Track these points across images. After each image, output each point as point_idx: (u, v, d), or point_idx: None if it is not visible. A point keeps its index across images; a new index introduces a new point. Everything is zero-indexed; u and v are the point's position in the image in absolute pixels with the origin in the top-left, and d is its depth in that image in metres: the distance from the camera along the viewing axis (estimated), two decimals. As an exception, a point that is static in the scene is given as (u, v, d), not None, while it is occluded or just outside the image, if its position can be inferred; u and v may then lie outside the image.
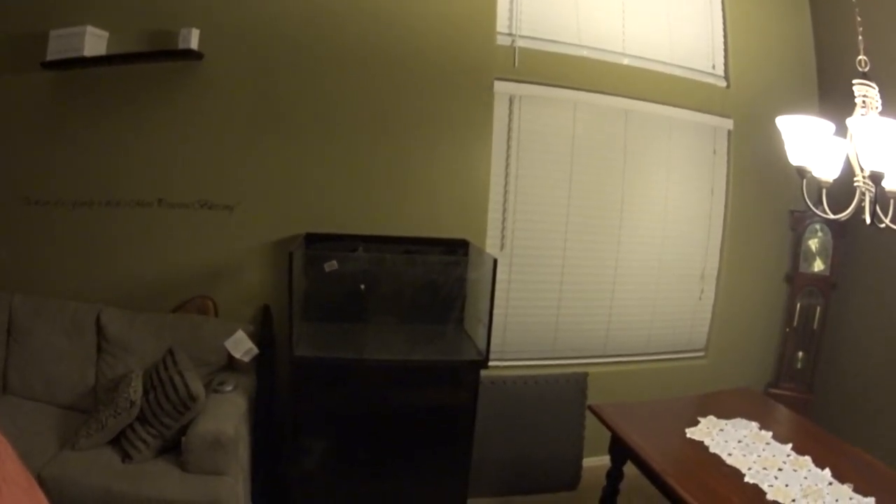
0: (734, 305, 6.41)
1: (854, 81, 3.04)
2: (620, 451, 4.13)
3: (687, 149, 6.19)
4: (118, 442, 4.17)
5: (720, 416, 4.27)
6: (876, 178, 2.77)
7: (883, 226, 3.00)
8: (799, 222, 6.36)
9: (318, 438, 4.61)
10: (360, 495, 4.63)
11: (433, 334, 5.20)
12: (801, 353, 6.44)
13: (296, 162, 5.28)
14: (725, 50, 6.12)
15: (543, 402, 5.48)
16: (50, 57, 4.87)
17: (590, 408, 4.45)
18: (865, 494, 3.27)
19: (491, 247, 5.63)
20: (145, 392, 4.29)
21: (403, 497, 4.68)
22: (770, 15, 6.28)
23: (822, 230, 6.28)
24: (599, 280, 6.07)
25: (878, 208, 2.99)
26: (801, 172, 3.23)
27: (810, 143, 3.17)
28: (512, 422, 5.37)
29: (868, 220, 3.01)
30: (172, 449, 4.15)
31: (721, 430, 4.06)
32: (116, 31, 4.96)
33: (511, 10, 5.55)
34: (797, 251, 6.41)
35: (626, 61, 5.84)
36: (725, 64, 6.13)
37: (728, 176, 6.24)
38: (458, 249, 5.34)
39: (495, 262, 4.50)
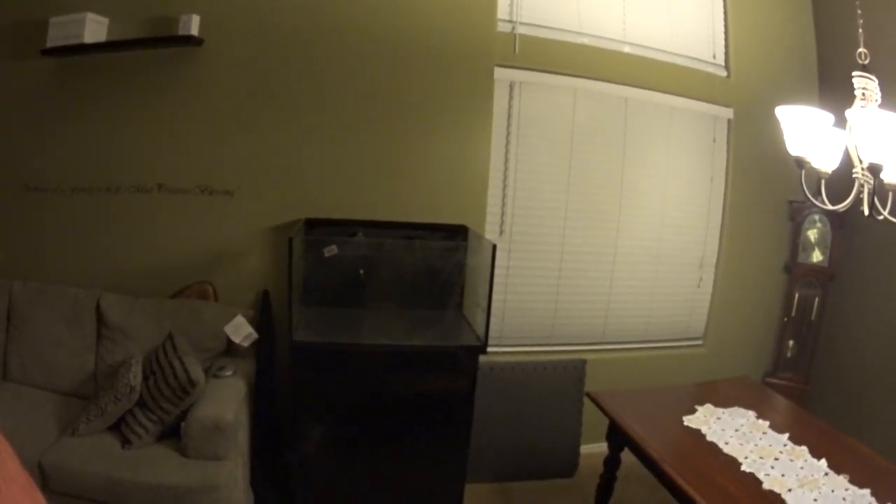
0: (733, 294, 6.41)
1: (854, 74, 3.05)
2: (618, 438, 4.15)
3: (687, 137, 6.19)
4: (118, 428, 4.18)
5: (718, 404, 4.29)
6: (874, 170, 2.78)
7: (881, 218, 3.01)
8: (798, 213, 6.36)
9: (317, 423, 4.61)
10: (358, 480, 4.65)
11: (432, 320, 5.20)
12: (798, 344, 6.45)
13: (296, 147, 5.28)
14: (726, 39, 6.11)
15: (542, 389, 5.48)
16: (50, 44, 4.86)
17: (588, 394, 4.47)
18: (861, 486, 3.29)
19: (490, 233, 5.63)
20: (145, 378, 4.29)
21: (402, 482, 4.69)
22: (771, 5, 6.27)
23: (820, 221, 6.28)
24: (598, 267, 6.07)
25: (876, 200, 3.00)
26: (800, 163, 3.24)
27: (809, 134, 3.17)
28: (510, 408, 5.37)
29: (866, 212, 3.02)
30: (172, 434, 4.15)
31: (718, 418, 4.08)
32: (116, 17, 4.95)
33: (512, -3, 5.54)
34: (796, 241, 6.41)
35: (626, 49, 5.83)
36: (726, 53, 6.12)
37: (728, 165, 6.24)
38: (457, 235, 5.35)
39: (494, 247, 4.49)
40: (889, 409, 5.58)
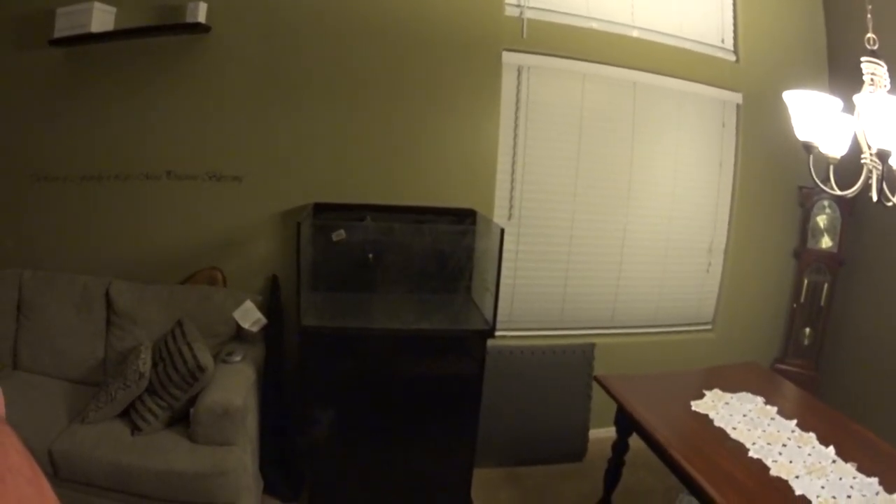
0: (742, 279, 6.40)
1: (862, 59, 3.03)
2: (626, 422, 4.15)
3: (695, 122, 6.17)
4: (127, 414, 4.20)
5: (726, 389, 4.29)
6: (883, 155, 2.77)
7: (890, 204, 3.00)
8: (807, 198, 6.33)
9: (326, 408, 4.62)
10: (367, 464, 4.65)
11: (441, 303, 5.21)
12: (807, 330, 6.43)
13: (304, 132, 5.27)
14: (735, 24, 6.08)
15: (550, 373, 5.50)
16: (57, 34, 4.87)
17: (596, 379, 4.48)
18: (869, 474, 3.29)
19: (499, 217, 5.61)
20: (154, 364, 4.31)
21: (411, 466, 4.70)
22: (781, -11, 6.24)
23: (830, 207, 6.25)
24: (607, 251, 6.06)
25: (885, 186, 2.99)
26: (808, 148, 3.23)
27: (817, 119, 3.16)
28: (519, 392, 5.39)
29: (875, 198, 3.01)
30: (181, 420, 4.18)
31: (726, 403, 4.08)
32: (123, 5, 4.95)
33: (519, -20, 5.52)
34: (805, 227, 6.38)
35: (635, 33, 5.80)
36: (735, 38, 6.09)
37: (736, 150, 6.21)
38: (465, 219, 5.34)
39: (502, 231, 4.46)
40: (899, 395, 5.57)
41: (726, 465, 3.33)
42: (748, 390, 4.29)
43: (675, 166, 6.13)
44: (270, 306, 5.10)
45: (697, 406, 4.03)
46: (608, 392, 4.20)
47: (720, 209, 6.31)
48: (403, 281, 5.26)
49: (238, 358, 4.56)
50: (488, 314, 4.60)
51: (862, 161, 3.05)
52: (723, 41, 6.09)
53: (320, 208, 5.16)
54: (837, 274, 6.31)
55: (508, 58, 5.49)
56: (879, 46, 3.05)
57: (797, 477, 3.22)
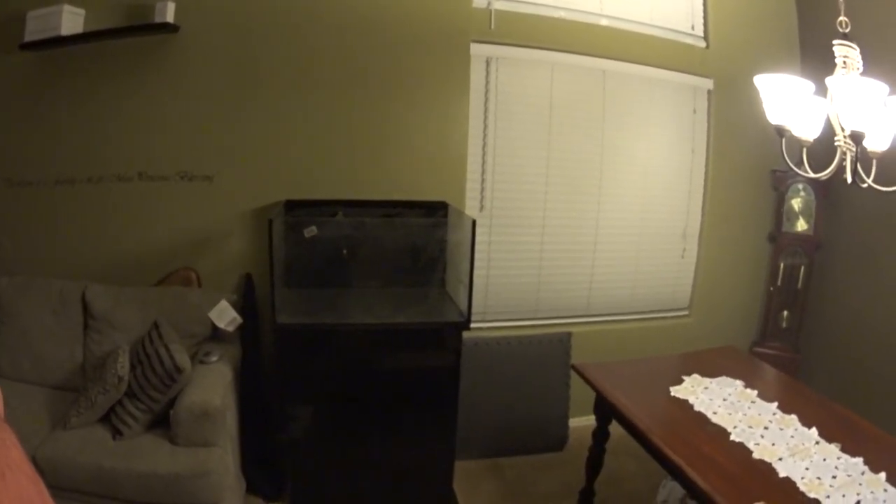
0: (718, 264, 6.44)
1: (834, 42, 3.04)
2: (605, 410, 4.15)
3: (667, 109, 6.20)
4: (108, 419, 4.19)
5: (704, 374, 4.29)
6: (856, 137, 2.78)
7: (865, 186, 3.01)
8: (781, 182, 6.35)
9: (305, 405, 4.63)
10: (348, 460, 4.65)
11: (415, 297, 5.22)
12: (785, 313, 6.46)
13: (273, 129, 5.27)
14: (705, 10, 6.10)
15: (528, 363, 5.52)
16: (28, 38, 4.83)
17: (573, 367, 4.48)
18: (853, 454, 3.29)
19: (470, 208, 5.64)
20: (132, 367, 4.29)
21: (392, 460, 4.70)
22: (751, -26, 6.25)
23: (804, 190, 6.28)
24: (581, 239, 6.09)
25: (859, 168, 3.00)
26: (780, 131, 3.24)
27: (789, 103, 3.17)
28: (497, 383, 5.41)
29: (849, 180, 3.02)
30: (162, 423, 4.16)
31: (706, 388, 4.09)
32: (92, 7, 4.91)
33: (487, -29, 5.51)
34: (780, 211, 6.41)
35: (604, 22, 5.81)
36: (705, 24, 6.11)
37: (708, 135, 6.24)
38: (437, 211, 5.34)
39: (474, 222, 4.47)
40: (879, 377, 5.59)
41: (708, 449, 3.33)
42: (727, 374, 4.30)
43: (646, 153, 6.15)
44: (245, 305, 5.09)
45: (677, 392, 4.04)
46: (586, 380, 4.20)
47: (693, 195, 6.34)
48: (377, 275, 5.28)
49: (215, 358, 4.54)
50: (463, 306, 4.60)
51: (835, 143, 3.06)
52: (693, 27, 6.10)
53: (292, 205, 5.15)
54: (814, 256, 6.33)
55: (477, 49, 5.50)
56: (851, 29, 3.05)
57: (780, 459, 3.23)
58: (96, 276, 5.04)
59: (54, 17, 4.76)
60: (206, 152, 5.21)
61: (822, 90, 3.11)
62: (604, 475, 4.45)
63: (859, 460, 3.23)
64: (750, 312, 6.66)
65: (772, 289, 6.49)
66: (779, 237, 6.43)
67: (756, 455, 3.27)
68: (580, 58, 5.77)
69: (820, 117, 3.20)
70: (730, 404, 3.86)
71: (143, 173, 5.15)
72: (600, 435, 4.33)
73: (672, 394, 4.01)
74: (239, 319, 4.80)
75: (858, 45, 3.01)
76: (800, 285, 6.36)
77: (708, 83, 6.15)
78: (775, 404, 3.84)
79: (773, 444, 3.37)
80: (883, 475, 3.09)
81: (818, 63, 3.25)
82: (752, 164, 6.36)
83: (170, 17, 4.87)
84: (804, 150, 3.26)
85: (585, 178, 6.00)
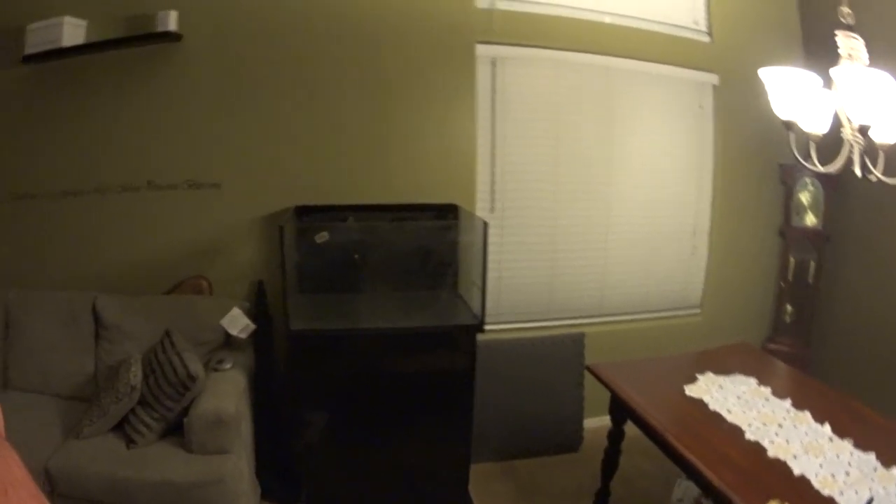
0: (728, 261, 6.41)
1: (837, 32, 3.03)
2: (620, 410, 4.14)
3: (673, 105, 6.19)
4: (121, 428, 4.19)
5: (718, 372, 4.28)
6: (864, 130, 2.77)
7: (873, 178, 3.00)
8: (789, 176, 6.32)
9: (319, 410, 4.63)
10: (363, 465, 4.65)
11: (428, 300, 5.22)
12: (790, 307, 6.44)
13: (280, 135, 5.28)
14: (707, 4, 6.08)
15: (542, 364, 5.51)
16: (29, 51, 4.84)
17: (588, 368, 4.47)
18: (865, 449, 3.28)
19: (481, 210, 5.63)
20: (145, 376, 4.29)
21: (407, 464, 4.70)
22: (751, -32, 6.24)
23: (812, 184, 6.24)
24: (592, 239, 6.07)
25: (867, 160, 2.99)
26: (788, 126, 3.22)
27: (796, 96, 3.15)
28: (511, 385, 5.39)
29: (858, 173, 3.00)
30: (175, 431, 4.16)
31: (720, 386, 4.08)
32: (94, 18, 4.93)
33: (489, -28, 5.51)
34: (788, 205, 6.38)
35: (607, 19, 5.80)
36: (708, 19, 6.09)
37: (715, 131, 6.22)
38: (448, 214, 5.34)
39: (486, 224, 4.49)
40: (890, 369, 5.57)
41: (724, 448, 3.32)
42: (740, 372, 4.29)
43: (654, 150, 6.14)
44: (258, 312, 5.09)
45: (691, 390, 4.03)
46: (601, 380, 4.19)
47: (702, 191, 6.32)
48: (390, 279, 5.27)
49: (228, 365, 4.54)
50: (476, 309, 4.61)
51: (843, 136, 3.05)
52: (696, 22, 6.08)
53: (302, 211, 5.15)
54: (823, 250, 6.31)
55: (482, 50, 5.50)
56: (855, 22, 3.04)
57: (795, 457, 3.22)
58: (106, 286, 5.05)
59: (55, 29, 4.77)
60: (213, 160, 5.21)
61: (827, 83, 3.10)
62: (618, 475, 4.44)
63: (871, 456, 3.22)
64: (761, 308, 6.64)
65: (782, 284, 6.46)
66: (788, 232, 6.40)
67: (771, 453, 3.26)
68: (585, 56, 5.76)
69: (828, 111, 3.18)
70: (744, 402, 3.85)
71: (151, 182, 5.15)
72: (615, 435, 4.32)
73: (686, 392, 4.00)
74: (252, 326, 4.81)
75: (862, 37, 3.00)
76: (810, 280, 6.33)
77: (713, 78, 6.13)
78: (788, 401, 3.83)
79: (788, 442, 3.36)
80: (895, 470, 3.09)
81: (822, 55, 3.23)
82: (759, 159, 6.34)
83: (172, 26, 4.89)
84: (812, 143, 3.25)
85: (594, 177, 5.98)
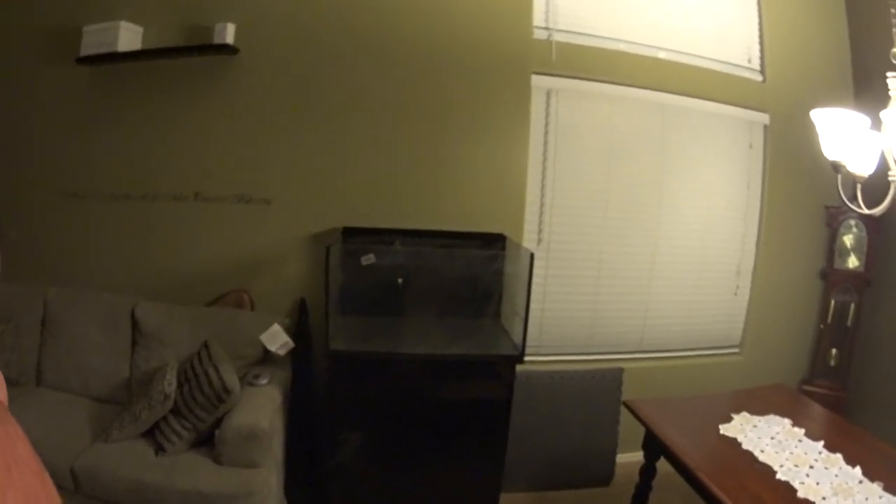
0: (769, 301, 6.36)
1: (888, 74, 3.02)
2: (654, 446, 4.12)
3: (723, 143, 6.15)
4: (152, 434, 4.23)
5: (753, 412, 4.25)
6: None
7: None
8: (834, 218, 6.28)
9: (353, 431, 4.63)
10: (393, 488, 4.65)
11: (470, 328, 5.20)
12: (834, 351, 6.38)
13: (333, 156, 5.30)
14: (761, 44, 6.07)
15: (579, 398, 5.48)
16: (84, 52, 4.93)
17: (625, 403, 4.45)
18: (895, 493, 3.27)
19: (528, 241, 5.61)
20: (179, 385, 4.33)
21: (437, 491, 4.69)
22: (805, 8, 6.21)
23: (856, 226, 6.20)
24: (636, 275, 6.04)
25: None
26: (836, 167, 3.22)
27: (845, 137, 3.14)
28: (547, 417, 5.37)
29: (905, 217, 3.00)
30: (206, 441, 4.19)
31: (754, 426, 4.05)
32: (151, 25, 5.02)
33: (547, 4, 5.52)
34: (832, 247, 6.33)
35: (661, 55, 5.80)
36: (761, 58, 6.08)
37: (764, 170, 6.18)
38: (495, 243, 5.34)
39: (532, 256, 4.47)
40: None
41: (754, 487, 3.31)
42: (776, 412, 4.26)
43: (703, 189, 6.11)
44: (298, 329, 5.11)
45: (726, 429, 4.01)
46: (637, 417, 4.17)
47: (748, 231, 6.28)
48: (432, 305, 5.26)
49: (265, 381, 4.57)
50: (517, 339, 4.59)
51: (889, 178, 3.04)
52: (749, 61, 6.07)
53: (349, 232, 5.18)
54: (864, 294, 6.26)
55: (538, 81, 5.50)
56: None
57: (824, 498, 3.20)
58: (146, 291, 5.12)
59: (111, 33, 4.85)
60: (264, 176, 5.26)
61: (876, 124, 3.09)
62: (648, 511, 4.44)
63: (902, 500, 3.21)
64: (800, 350, 6.57)
65: (822, 326, 6.41)
66: (830, 274, 6.35)
67: (801, 494, 3.24)
68: (639, 91, 5.75)
69: (875, 152, 3.17)
70: (777, 442, 3.82)
71: (199, 194, 5.21)
72: (648, 471, 4.30)
73: (721, 432, 3.98)
74: (290, 343, 4.82)
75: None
76: (850, 323, 6.28)
77: (764, 118, 6.10)
78: (821, 443, 3.80)
79: (818, 483, 3.34)
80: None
81: (872, 96, 3.22)
82: (805, 200, 6.29)
83: (230, 39, 4.95)
84: (858, 185, 3.24)
85: (642, 213, 5.96)
